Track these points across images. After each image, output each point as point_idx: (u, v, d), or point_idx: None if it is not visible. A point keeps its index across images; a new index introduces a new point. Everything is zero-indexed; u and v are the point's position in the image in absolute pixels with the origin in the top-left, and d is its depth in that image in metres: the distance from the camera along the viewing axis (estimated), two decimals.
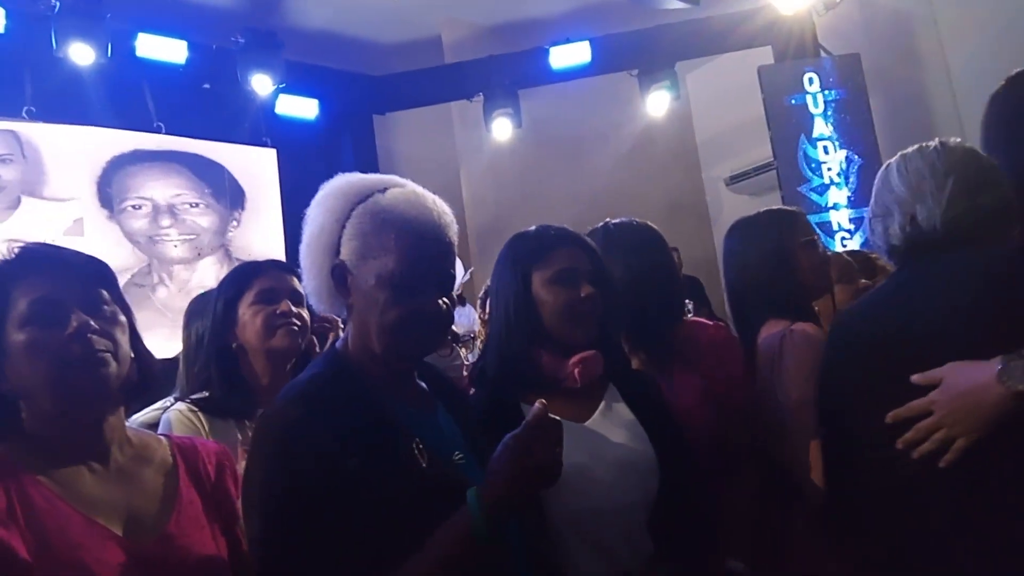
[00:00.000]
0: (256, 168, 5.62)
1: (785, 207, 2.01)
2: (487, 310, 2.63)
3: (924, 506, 1.28)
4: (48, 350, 1.01)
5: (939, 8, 5.30)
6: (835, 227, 5.20)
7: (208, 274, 5.05)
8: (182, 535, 1.06)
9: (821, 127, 5.31)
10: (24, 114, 4.66)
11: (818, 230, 4.99)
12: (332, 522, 1.00)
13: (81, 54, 4.51)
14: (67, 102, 4.77)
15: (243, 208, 5.47)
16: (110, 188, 4.93)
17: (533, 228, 1.56)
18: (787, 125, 5.33)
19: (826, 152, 5.28)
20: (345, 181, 1.20)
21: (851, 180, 5.23)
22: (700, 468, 1.50)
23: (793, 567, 1.65)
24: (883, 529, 1.36)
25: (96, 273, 1.10)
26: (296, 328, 1.74)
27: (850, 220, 5.20)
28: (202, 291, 2.08)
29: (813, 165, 5.28)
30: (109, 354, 1.04)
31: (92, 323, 1.03)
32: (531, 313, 1.47)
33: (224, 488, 1.15)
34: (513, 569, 1.16)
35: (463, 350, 2.81)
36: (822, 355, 1.56)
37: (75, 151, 4.84)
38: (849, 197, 5.23)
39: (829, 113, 5.32)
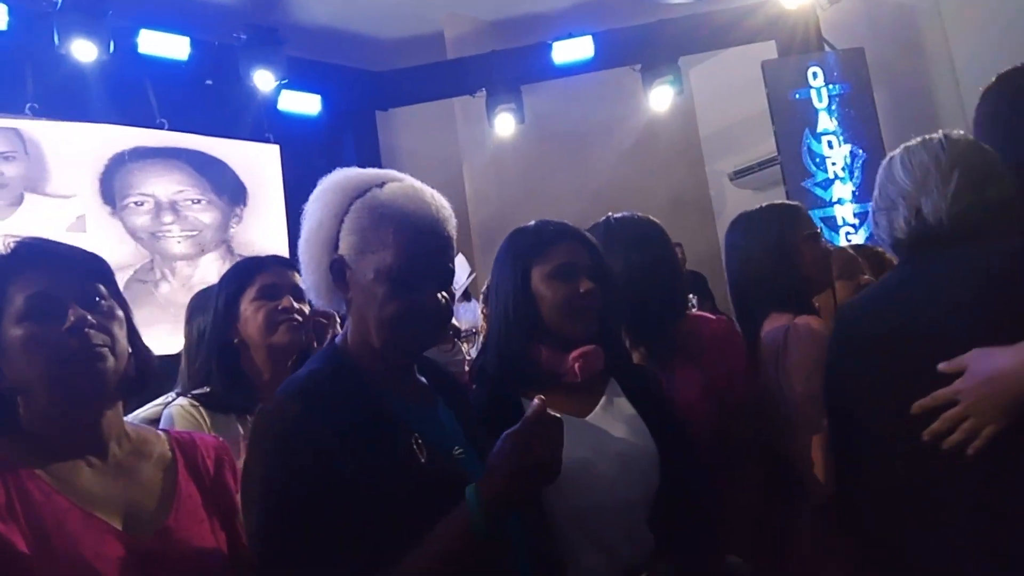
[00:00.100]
0: (259, 164, 5.62)
1: (787, 202, 2.01)
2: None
3: (939, 500, 1.26)
4: (45, 345, 1.01)
5: (943, 1, 5.27)
6: (839, 222, 5.19)
7: (210, 270, 5.05)
8: (181, 529, 1.06)
9: (825, 122, 5.29)
10: (27, 111, 4.66)
11: (823, 225, 5.00)
12: (331, 516, 1.00)
13: (83, 51, 4.51)
14: (69, 99, 4.77)
15: (245, 204, 5.47)
16: (112, 185, 4.93)
17: (533, 223, 1.56)
18: (791, 120, 5.31)
19: (830, 147, 5.26)
20: (343, 176, 1.19)
21: (855, 175, 5.21)
22: (702, 463, 1.49)
23: (796, 564, 1.64)
24: (890, 525, 1.35)
25: (93, 268, 1.10)
26: (297, 324, 1.74)
27: (855, 215, 5.18)
28: (204, 287, 2.08)
29: (817, 160, 5.26)
30: (106, 349, 1.04)
31: (89, 318, 1.03)
32: (530, 308, 1.46)
33: (223, 482, 1.15)
34: (513, 564, 1.16)
35: (465, 345, 2.81)
36: (827, 349, 1.55)
37: (78, 148, 4.84)
38: (853, 192, 5.21)
39: (833, 108, 5.30)
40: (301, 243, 1.19)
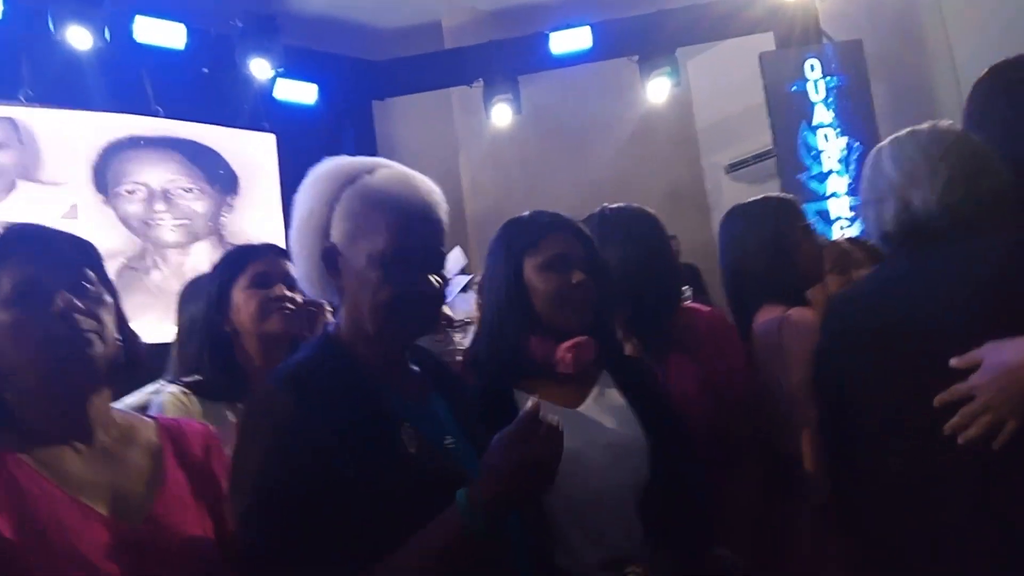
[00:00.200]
0: (255, 153, 5.60)
1: (780, 194, 2.01)
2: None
3: (938, 498, 1.25)
4: (33, 330, 1.00)
5: None
6: (834, 215, 5.18)
7: (202, 258, 5.03)
8: (168, 515, 1.05)
9: (822, 114, 5.27)
10: (21, 98, 4.63)
11: (818, 219, 4.99)
12: (319, 505, 0.99)
13: (79, 38, 4.47)
14: (64, 86, 4.73)
15: (236, 193, 5.46)
16: (106, 173, 4.92)
17: (526, 214, 1.56)
18: (787, 113, 5.29)
19: (826, 139, 5.24)
20: (333, 164, 1.19)
21: (851, 168, 5.20)
22: (696, 456, 1.49)
23: (796, 563, 1.64)
24: (888, 523, 1.33)
25: (81, 253, 1.10)
26: (290, 312, 1.73)
27: (850, 208, 5.17)
28: (196, 275, 2.07)
29: (813, 153, 5.25)
30: (94, 334, 1.03)
31: (77, 303, 1.02)
32: (523, 299, 1.46)
33: (211, 469, 1.15)
34: (511, 557, 1.15)
35: (457, 335, 2.82)
36: (817, 342, 1.55)
37: (72, 136, 4.82)
38: (849, 185, 5.19)
39: (830, 100, 5.27)
40: (292, 232, 1.19)
